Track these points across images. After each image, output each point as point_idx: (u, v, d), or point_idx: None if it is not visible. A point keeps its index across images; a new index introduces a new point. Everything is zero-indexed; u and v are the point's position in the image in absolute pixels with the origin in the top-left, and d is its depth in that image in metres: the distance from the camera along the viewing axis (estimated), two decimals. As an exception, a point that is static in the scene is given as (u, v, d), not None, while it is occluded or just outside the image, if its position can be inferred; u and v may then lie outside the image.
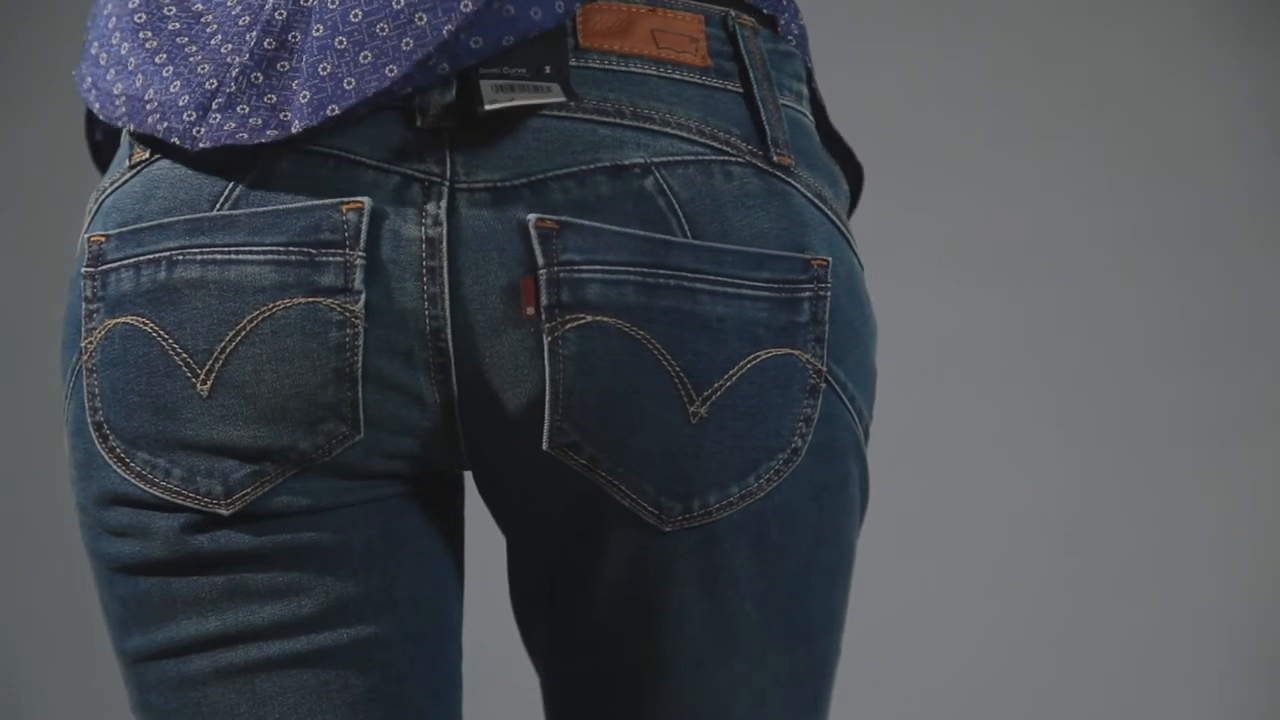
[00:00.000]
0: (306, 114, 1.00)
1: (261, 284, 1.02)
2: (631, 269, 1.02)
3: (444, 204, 1.02)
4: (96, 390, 1.04)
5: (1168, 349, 2.73)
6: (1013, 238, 2.72)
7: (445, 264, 1.01)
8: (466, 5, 1.00)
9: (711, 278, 1.02)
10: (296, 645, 1.05)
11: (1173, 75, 2.73)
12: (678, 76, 1.04)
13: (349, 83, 1.00)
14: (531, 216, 1.01)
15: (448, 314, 1.02)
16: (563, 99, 1.02)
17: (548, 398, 1.01)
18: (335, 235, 1.01)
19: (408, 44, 1.00)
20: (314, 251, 1.02)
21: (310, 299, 1.02)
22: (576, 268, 1.01)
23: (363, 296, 1.01)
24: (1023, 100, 2.72)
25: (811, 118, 1.10)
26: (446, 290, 1.02)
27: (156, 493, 1.03)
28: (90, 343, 1.04)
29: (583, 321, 1.01)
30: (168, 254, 1.02)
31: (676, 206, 1.02)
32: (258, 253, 1.02)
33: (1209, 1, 2.74)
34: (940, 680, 2.72)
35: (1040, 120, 2.72)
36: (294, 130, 1.00)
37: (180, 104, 1.02)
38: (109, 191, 1.06)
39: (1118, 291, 2.72)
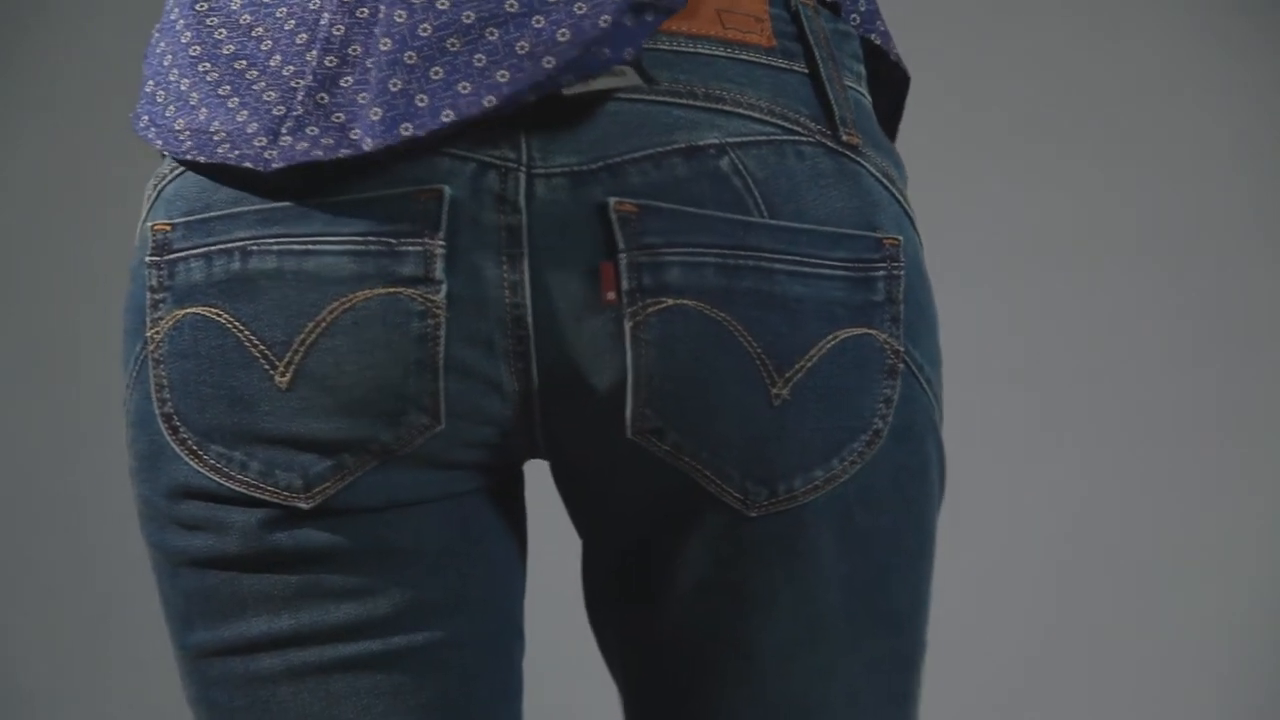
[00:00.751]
0: (379, 131, 0.99)
1: (340, 275, 1.00)
2: (712, 251, 1.01)
3: (522, 190, 1.00)
4: (165, 381, 1.02)
5: (1170, 347, 2.73)
6: (1019, 236, 2.72)
7: (525, 250, 1.00)
8: (549, 29, 0.99)
9: (789, 258, 1.01)
10: (371, 646, 1.04)
11: (1177, 75, 2.73)
12: (745, 57, 1.03)
13: (421, 99, 0.99)
14: (610, 200, 1.00)
15: (528, 301, 1.01)
16: (638, 82, 1.01)
17: (630, 383, 1.00)
18: (414, 224, 1.00)
19: (479, 60, 0.99)
20: (393, 241, 1.00)
21: (391, 289, 1.00)
22: (657, 251, 1.00)
23: (444, 286, 1.00)
24: (1026, 99, 2.72)
25: (869, 97, 1.09)
26: (527, 277, 1.00)
27: (234, 486, 1.02)
28: (157, 333, 1.02)
29: (664, 305, 1.00)
30: (241, 244, 1.01)
31: (752, 186, 1.01)
32: (335, 243, 1.00)
33: (1215, 2, 2.75)
34: (942, 680, 2.71)
35: (1043, 119, 2.72)
36: (366, 149, 0.99)
37: (249, 131, 1.01)
38: (169, 179, 1.04)
39: (1121, 290, 2.72)
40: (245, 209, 1.01)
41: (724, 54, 1.03)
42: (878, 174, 1.05)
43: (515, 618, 1.09)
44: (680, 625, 1.06)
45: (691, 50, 1.02)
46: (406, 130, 0.98)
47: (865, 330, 1.03)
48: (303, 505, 1.02)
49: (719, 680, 1.06)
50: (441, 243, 1.00)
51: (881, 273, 1.04)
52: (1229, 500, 2.73)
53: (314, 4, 1.02)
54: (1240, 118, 2.73)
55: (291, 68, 1.01)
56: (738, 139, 1.02)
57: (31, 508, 2.81)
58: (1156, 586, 2.72)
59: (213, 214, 1.02)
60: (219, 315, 1.01)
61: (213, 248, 1.01)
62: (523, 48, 0.98)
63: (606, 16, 0.98)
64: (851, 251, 1.03)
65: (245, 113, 1.01)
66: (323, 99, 1.00)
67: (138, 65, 1.11)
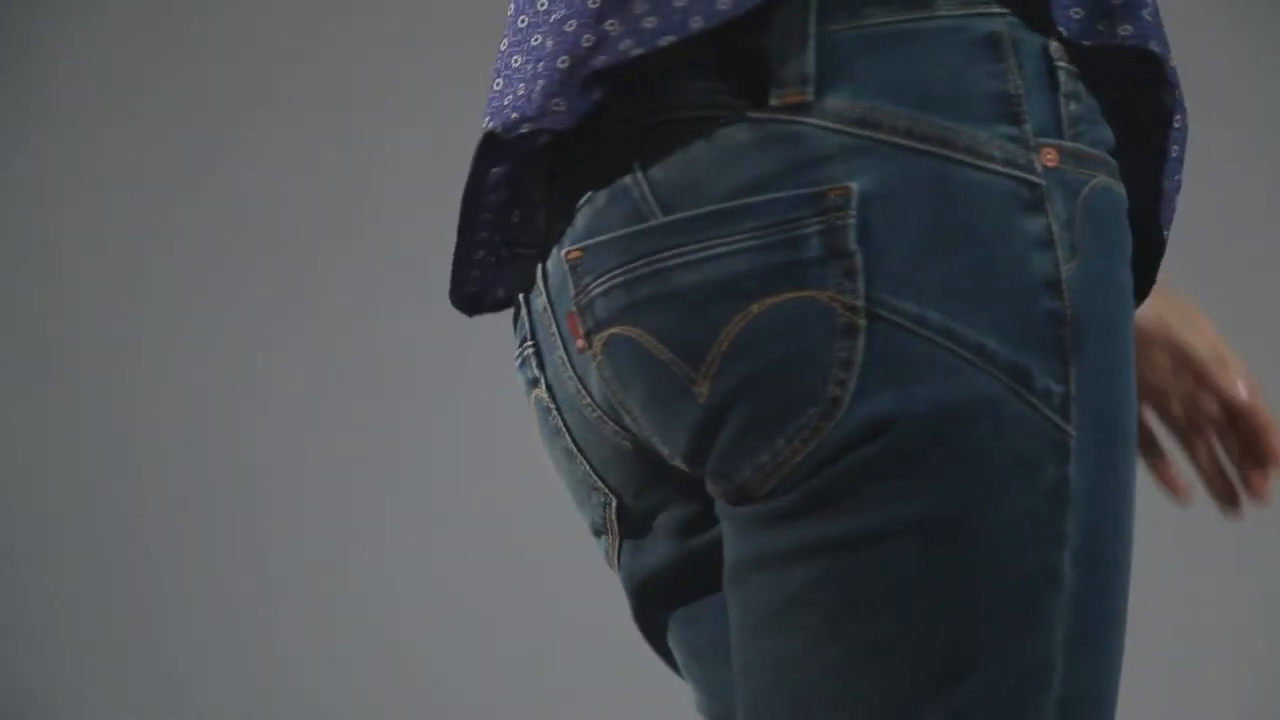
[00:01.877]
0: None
1: (521, 381, 1.10)
2: (618, 271, 0.99)
3: (539, 270, 1.04)
4: None
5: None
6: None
7: (555, 326, 1.04)
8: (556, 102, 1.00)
9: (681, 249, 0.97)
10: None
11: (1207, 77, 2.71)
12: (703, 51, 0.98)
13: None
14: (562, 252, 1.01)
15: (575, 372, 1.04)
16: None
17: (629, 420, 1.02)
18: (522, 329, 1.08)
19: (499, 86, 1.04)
20: (520, 348, 1.08)
21: (535, 390, 1.08)
22: (590, 289, 1.00)
23: (542, 380, 1.07)
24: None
25: (940, 19, 0.97)
26: (563, 349, 1.04)
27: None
28: None
29: (604, 339, 1.00)
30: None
31: (647, 191, 0.98)
32: (515, 352, 1.10)
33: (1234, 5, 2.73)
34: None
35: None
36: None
37: None
38: None
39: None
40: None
41: (693, 58, 0.98)
42: (832, 124, 0.95)
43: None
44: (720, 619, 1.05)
45: (674, 66, 0.99)
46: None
47: (795, 294, 0.95)
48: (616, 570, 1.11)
49: (741, 693, 1.02)
50: (531, 343, 1.07)
51: (814, 227, 0.95)
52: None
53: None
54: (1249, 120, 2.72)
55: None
56: (649, 146, 0.98)
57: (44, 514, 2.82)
58: (1172, 595, 2.70)
59: None
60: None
61: None
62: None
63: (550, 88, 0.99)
64: (764, 217, 0.95)
65: None
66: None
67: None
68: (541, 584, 2.78)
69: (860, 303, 0.94)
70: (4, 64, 2.83)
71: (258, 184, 2.84)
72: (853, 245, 0.94)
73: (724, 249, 0.95)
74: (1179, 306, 1.20)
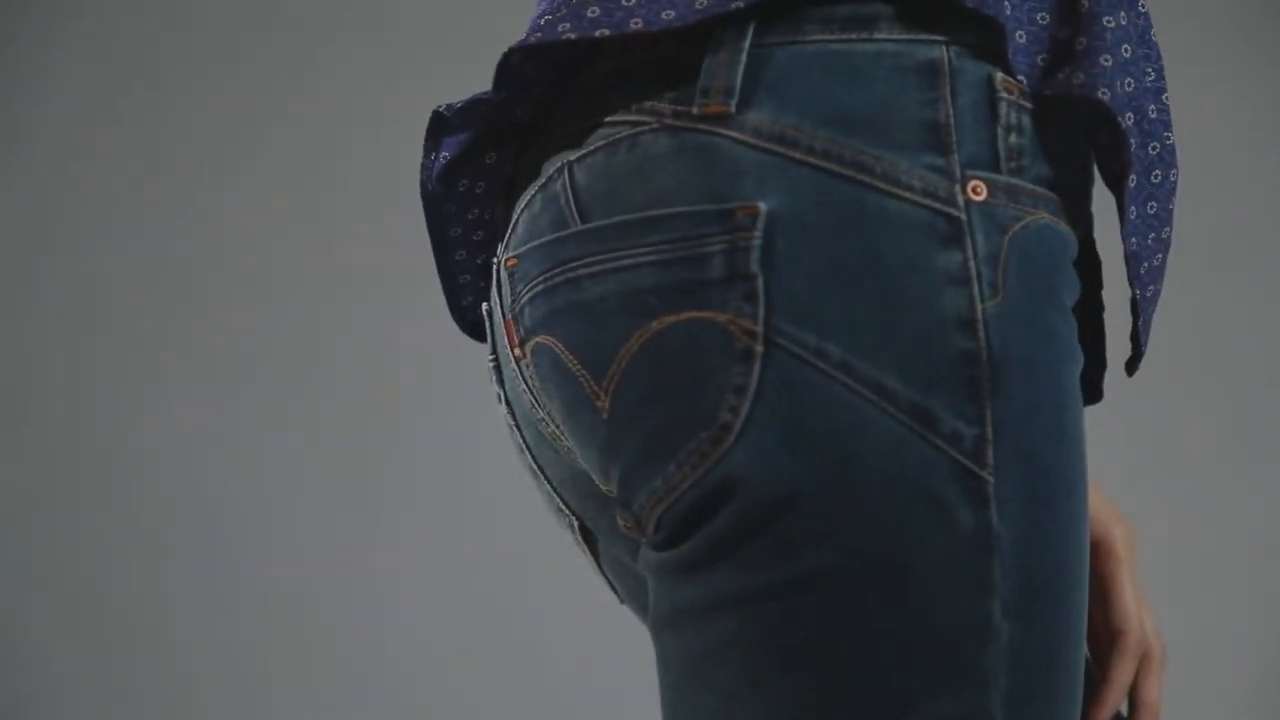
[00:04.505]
0: None
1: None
2: (540, 279, 0.96)
3: (494, 279, 1.02)
4: None
5: (1192, 361, 2.72)
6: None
7: (508, 335, 1.00)
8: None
9: (592, 259, 0.93)
10: None
11: (1208, 82, 2.71)
12: (647, 55, 0.96)
13: None
14: (502, 259, 0.99)
15: (526, 385, 1.00)
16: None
17: (560, 435, 1.00)
18: (490, 342, 1.06)
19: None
20: (489, 361, 1.07)
21: (500, 405, 1.07)
22: (521, 296, 0.97)
23: (501, 395, 1.05)
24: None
25: (880, 43, 0.92)
26: (516, 363, 1.00)
27: None
28: None
29: (531, 347, 0.97)
30: None
31: (571, 198, 0.94)
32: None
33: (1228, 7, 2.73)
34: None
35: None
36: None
37: None
38: None
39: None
40: None
41: (637, 62, 0.96)
42: (750, 139, 0.91)
43: None
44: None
45: (618, 69, 0.97)
46: None
47: (694, 314, 0.90)
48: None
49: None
50: (492, 357, 1.04)
51: (719, 246, 0.90)
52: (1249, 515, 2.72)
53: None
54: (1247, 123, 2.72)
55: None
56: (580, 152, 0.95)
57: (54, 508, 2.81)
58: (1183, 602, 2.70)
59: None
60: None
61: None
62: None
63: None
64: (670, 232, 0.91)
65: None
66: None
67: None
68: (534, 607, 2.77)
69: (758, 328, 0.89)
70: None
71: (239, 208, 2.83)
72: (755, 268, 0.89)
73: (629, 261, 0.92)
74: (1127, 550, 1.10)
